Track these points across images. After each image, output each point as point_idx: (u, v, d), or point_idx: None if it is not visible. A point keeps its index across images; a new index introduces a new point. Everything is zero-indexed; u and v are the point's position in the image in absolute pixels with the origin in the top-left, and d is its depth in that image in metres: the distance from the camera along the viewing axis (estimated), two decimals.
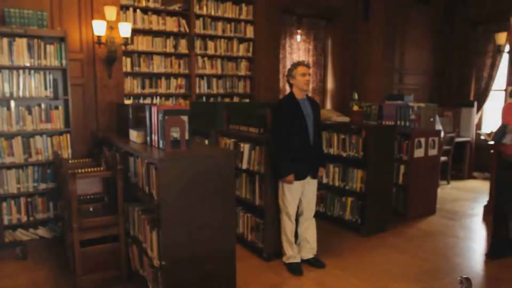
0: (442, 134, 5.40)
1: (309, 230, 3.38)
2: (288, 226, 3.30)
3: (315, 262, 3.38)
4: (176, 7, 5.14)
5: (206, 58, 5.47)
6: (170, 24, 5.14)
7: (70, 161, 3.61)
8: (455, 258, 3.59)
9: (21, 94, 3.75)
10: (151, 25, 5.00)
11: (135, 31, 4.81)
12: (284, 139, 3.16)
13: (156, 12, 5.04)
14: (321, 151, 3.46)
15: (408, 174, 4.50)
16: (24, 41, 3.72)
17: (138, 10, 4.87)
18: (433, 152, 4.68)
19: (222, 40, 5.57)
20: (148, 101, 5.09)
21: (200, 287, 2.56)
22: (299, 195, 3.27)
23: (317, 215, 3.50)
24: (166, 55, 5.17)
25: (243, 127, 3.93)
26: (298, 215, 3.36)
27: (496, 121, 6.63)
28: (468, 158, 6.90)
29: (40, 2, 4.01)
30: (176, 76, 5.29)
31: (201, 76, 5.47)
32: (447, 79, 7.51)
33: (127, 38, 4.42)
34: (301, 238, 3.38)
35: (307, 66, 3.22)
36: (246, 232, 3.71)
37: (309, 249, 3.39)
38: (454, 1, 7.21)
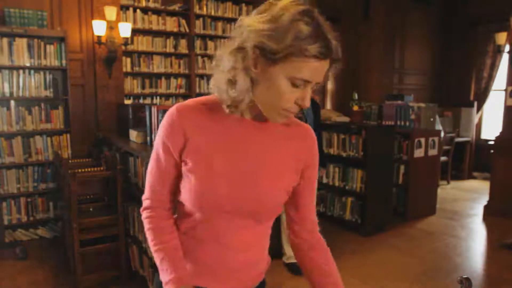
0: (442, 134, 5.40)
1: None
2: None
3: None
4: (176, 7, 5.14)
5: (206, 58, 5.47)
6: (170, 24, 5.14)
7: (70, 161, 3.61)
8: (455, 258, 3.59)
9: (21, 94, 3.75)
10: (151, 25, 4.99)
11: (135, 31, 4.81)
12: None
13: (156, 12, 5.03)
14: (321, 151, 3.46)
15: (408, 174, 4.50)
16: (24, 41, 3.72)
17: (138, 10, 4.87)
18: (433, 152, 4.68)
19: (222, 40, 5.56)
20: (148, 101, 5.09)
21: None
22: None
23: (317, 215, 3.49)
24: (166, 55, 5.17)
25: None
26: None
27: (496, 122, 6.62)
28: (468, 158, 6.90)
29: (40, 2, 4.01)
30: (176, 76, 5.29)
31: (201, 76, 5.47)
32: (447, 79, 7.51)
33: (127, 38, 4.42)
34: None
35: None
36: None
37: None
38: (454, 1, 7.21)
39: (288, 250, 3.32)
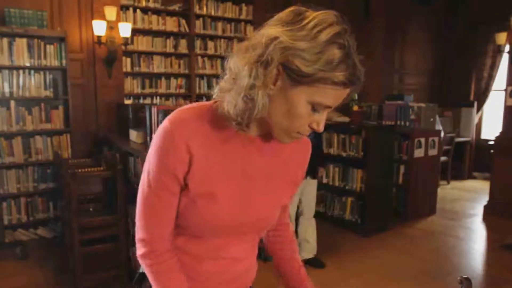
0: (442, 134, 5.40)
1: (309, 230, 3.38)
2: None
3: (315, 262, 3.38)
4: (176, 7, 5.14)
5: (206, 58, 5.47)
6: (170, 24, 5.13)
7: (70, 161, 3.61)
8: (455, 258, 3.59)
9: (21, 94, 3.75)
10: (151, 25, 4.99)
11: (135, 31, 4.80)
12: None
13: (156, 12, 5.03)
14: (320, 151, 3.46)
15: (408, 174, 4.50)
16: (24, 41, 3.72)
17: (138, 10, 4.87)
18: (433, 152, 4.68)
19: (222, 40, 5.57)
20: (148, 101, 5.09)
21: None
22: (298, 196, 3.28)
23: (317, 215, 3.50)
24: (166, 55, 5.16)
25: None
26: (298, 215, 3.36)
27: (496, 122, 6.62)
28: (468, 158, 6.90)
29: (40, 2, 4.01)
30: (176, 76, 5.29)
31: (201, 76, 5.47)
32: (447, 79, 7.51)
33: (127, 38, 4.42)
34: (301, 238, 3.38)
35: None
36: None
37: (309, 249, 3.40)
38: (454, 1, 7.21)
39: None
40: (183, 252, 0.95)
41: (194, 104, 0.90)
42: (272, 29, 0.79)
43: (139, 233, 0.91)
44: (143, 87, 5.05)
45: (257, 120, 0.86)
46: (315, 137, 3.28)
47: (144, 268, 0.93)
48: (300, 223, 3.37)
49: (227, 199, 0.89)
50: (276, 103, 0.81)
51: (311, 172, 3.30)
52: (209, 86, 5.55)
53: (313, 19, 0.77)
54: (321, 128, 0.84)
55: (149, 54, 5.03)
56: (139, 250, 0.92)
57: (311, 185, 3.32)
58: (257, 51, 0.79)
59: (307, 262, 3.37)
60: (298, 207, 3.32)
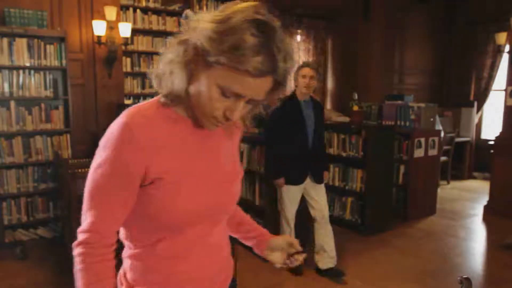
0: (442, 134, 5.40)
1: (326, 237, 3.19)
2: (286, 231, 3.20)
3: (332, 273, 3.17)
4: (176, 7, 5.14)
5: None
6: (170, 24, 5.13)
7: (70, 161, 3.61)
8: (455, 258, 3.59)
9: (21, 94, 3.75)
10: (151, 25, 4.99)
11: (135, 31, 4.80)
12: (277, 140, 3.09)
13: (156, 12, 5.03)
14: (324, 154, 3.37)
15: (408, 174, 4.50)
16: (24, 41, 3.72)
17: (138, 10, 4.87)
18: (433, 152, 4.68)
19: None
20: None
21: None
22: (298, 200, 3.19)
23: None
24: None
25: None
26: (312, 221, 3.23)
27: (496, 122, 6.62)
28: (468, 158, 6.90)
29: (40, 2, 4.01)
30: None
31: None
32: (447, 79, 7.51)
33: (127, 38, 4.42)
34: (319, 247, 3.20)
35: (310, 67, 3.03)
36: None
37: (327, 259, 3.20)
38: (454, 1, 7.21)
39: None
40: (162, 257, 0.93)
41: (148, 103, 0.93)
42: (201, 14, 0.83)
43: (82, 224, 0.87)
44: (143, 87, 5.05)
45: (188, 104, 0.89)
46: (318, 140, 3.21)
47: (74, 256, 0.86)
48: (316, 230, 3.21)
49: (192, 191, 0.89)
50: (195, 86, 0.84)
51: (317, 177, 3.19)
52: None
53: (238, 7, 0.79)
54: (233, 117, 0.84)
55: (149, 54, 5.03)
56: (78, 238, 0.86)
57: (319, 190, 3.21)
58: (183, 34, 0.84)
59: (326, 273, 3.18)
60: (309, 213, 3.19)
